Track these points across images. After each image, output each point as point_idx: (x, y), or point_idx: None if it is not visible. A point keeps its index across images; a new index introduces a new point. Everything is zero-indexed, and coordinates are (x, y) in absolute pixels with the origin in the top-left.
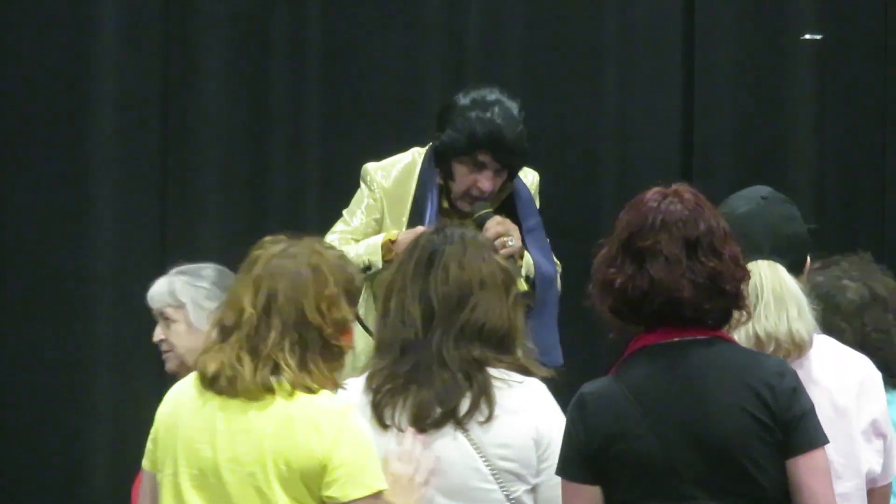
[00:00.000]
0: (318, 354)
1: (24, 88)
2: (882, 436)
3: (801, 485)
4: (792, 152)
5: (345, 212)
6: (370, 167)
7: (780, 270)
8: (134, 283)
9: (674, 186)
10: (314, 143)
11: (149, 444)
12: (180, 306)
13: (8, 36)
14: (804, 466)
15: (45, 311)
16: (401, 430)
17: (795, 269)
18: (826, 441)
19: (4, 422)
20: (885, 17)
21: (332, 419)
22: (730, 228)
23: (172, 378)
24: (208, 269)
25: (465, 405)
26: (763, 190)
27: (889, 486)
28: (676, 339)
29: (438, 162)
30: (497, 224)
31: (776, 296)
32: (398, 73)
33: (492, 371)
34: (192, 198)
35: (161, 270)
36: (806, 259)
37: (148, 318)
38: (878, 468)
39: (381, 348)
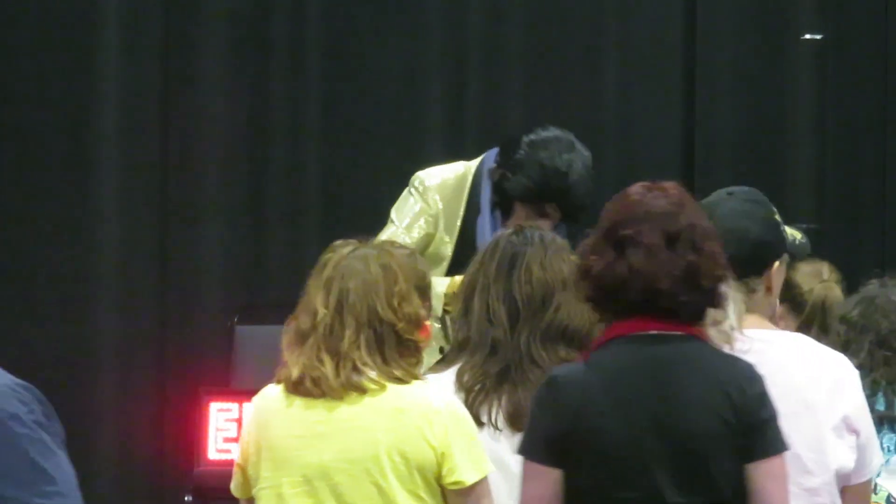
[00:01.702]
0: (395, 350)
1: (26, 89)
2: (855, 431)
3: (760, 489)
4: (792, 152)
5: (395, 217)
6: (427, 180)
7: None
8: (135, 283)
9: (662, 183)
10: (314, 143)
11: (237, 474)
12: None
13: (9, 36)
14: (764, 471)
15: (47, 312)
16: (497, 428)
17: (738, 265)
18: (786, 448)
19: None
20: (886, 17)
21: (443, 408)
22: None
23: (173, 378)
24: None
25: None
26: (738, 188)
27: (866, 484)
28: (653, 332)
29: (500, 195)
30: None
31: None
32: (398, 72)
33: None
34: (193, 197)
35: (162, 270)
36: (760, 259)
37: (149, 318)
38: (850, 464)
39: (466, 346)
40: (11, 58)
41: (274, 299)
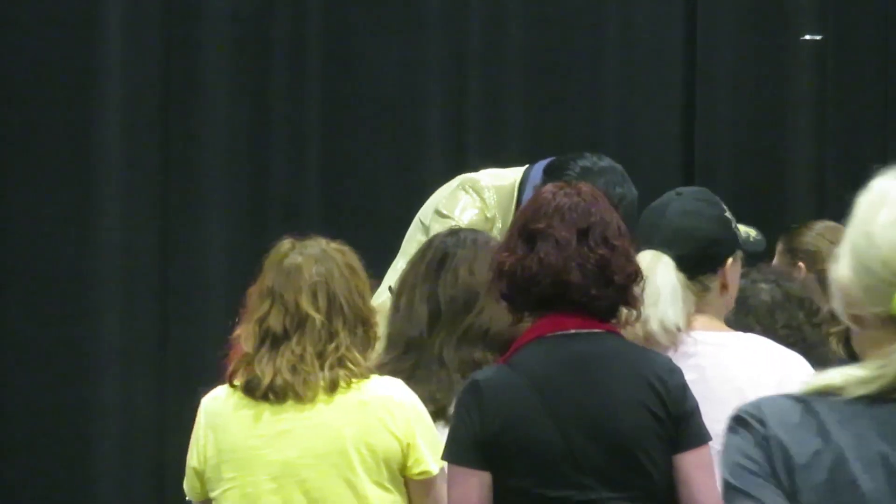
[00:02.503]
0: (366, 346)
1: (27, 89)
2: None
3: (689, 478)
4: (792, 152)
5: (445, 211)
6: (481, 181)
7: (663, 261)
8: (136, 283)
9: (577, 184)
10: (315, 143)
11: (191, 476)
12: None
13: (11, 36)
14: (692, 461)
15: (48, 313)
16: None
17: (688, 264)
18: (710, 438)
19: (7, 422)
20: (886, 18)
21: (405, 400)
22: (629, 226)
23: (173, 379)
24: None
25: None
26: (688, 188)
27: None
28: (572, 331)
29: None
30: None
31: (651, 286)
32: (398, 73)
33: None
34: (195, 198)
35: (163, 270)
36: (712, 257)
37: (149, 318)
38: None
39: (388, 343)
40: (13, 58)
41: None
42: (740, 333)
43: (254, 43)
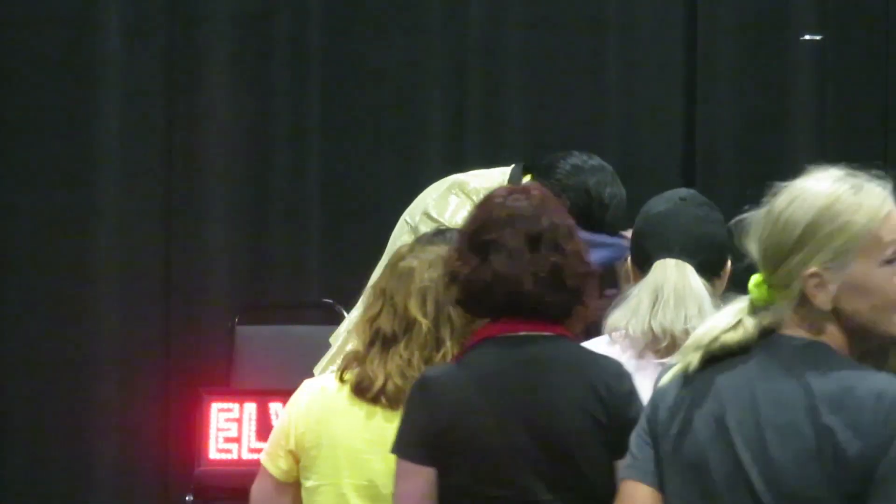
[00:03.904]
0: None
1: (29, 88)
2: None
3: None
4: (793, 152)
5: (435, 215)
6: (470, 183)
7: (687, 269)
8: (137, 283)
9: (525, 185)
10: (316, 143)
11: (278, 456)
12: None
13: (12, 35)
14: None
15: (49, 312)
16: None
17: (706, 270)
18: None
19: (6, 422)
20: (886, 18)
21: None
22: (576, 228)
23: (174, 379)
24: None
25: None
26: (684, 192)
27: None
28: (522, 333)
29: None
30: None
31: (677, 294)
32: (399, 74)
33: None
34: (196, 198)
35: (165, 271)
36: (722, 261)
37: (151, 319)
38: None
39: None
40: (15, 60)
41: (274, 300)
42: None
43: (255, 43)
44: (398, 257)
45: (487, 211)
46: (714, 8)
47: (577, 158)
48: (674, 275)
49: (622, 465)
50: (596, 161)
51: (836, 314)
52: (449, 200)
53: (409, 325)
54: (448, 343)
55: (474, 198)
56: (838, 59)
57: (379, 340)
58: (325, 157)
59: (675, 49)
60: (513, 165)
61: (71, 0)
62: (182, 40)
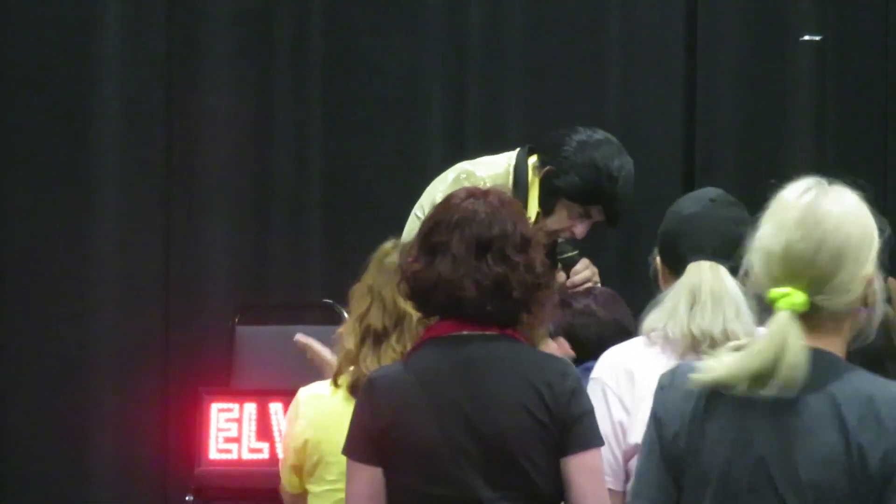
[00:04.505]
0: None
1: (29, 88)
2: None
3: (573, 483)
4: (792, 152)
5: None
6: (476, 171)
7: (721, 272)
8: (137, 283)
9: (486, 189)
10: (317, 143)
11: (289, 473)
12: None
13: (12, 35)
14: (576, 466)
15: (48, 312)
16: None
17: (738, 271)
18: (601, 443)
19: (7, 422)
20: (886, 18)
21: None
22: (535, 235)
23: (174, 379)
24: None
25: None
26: (713, 192)
27: None
28: (464, 333)
29: (547, 192)
30: (586, 267)
31: (714, 296)
32: (399, 72)
33: None
34: (196, 197)
35: (164, 270)
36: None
37: (150, 318)
38: None
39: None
40: (14, 59)
41: (274, 300)
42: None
43: (255, 43)
44: (383, 254)
45: (443, 212)
46: (714, 8)
47: (581, 134)
48: (709, 277)
49: (628, 487)
50: (601, 135)
51: (852, 320)
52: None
53: (399, 319)
54: None
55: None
56: (838, 59)
57: (370, 337)
58: (325, 156)
59: (675, 49)
60: (518, 149)
61: (71, 0)
62: (182, 39)
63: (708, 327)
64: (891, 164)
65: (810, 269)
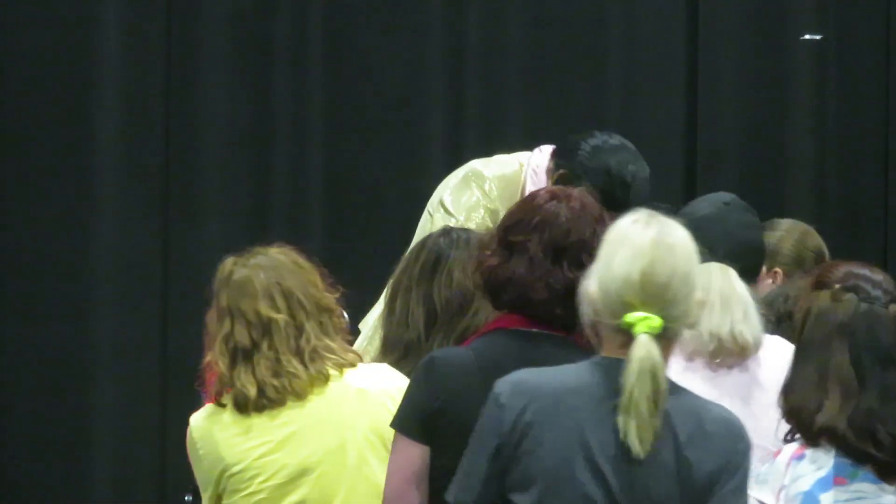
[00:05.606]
0: (339, 337)
1: (27, 88)
2: None
3: None
4: (794, 153)
5: (451, 209)
6: (485, 171)
7: (731, 274)
8: (136, 283)
9: (570, 191)
10: (316, 143)
11: (210, 501)
12: None
13: (10, 36)
14: None
15: (47, 312)
16: None
17: (747, 274)
18: None
19: (7, 422)
20: (886, 18)
21: (398, 383)
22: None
23: (173, 379)
24: None
25: None
26: (726, 196)
27: None
28: (534, 330)
29: None
30: None
31: (723, 298)
32: (399, 72)
33: None
34: (195, 198)
35: (163, 271)
36: (759, 266)
37: (150, 319)
38: None
39: (385, 348)
40: (12, 59)
41: None
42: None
43: (254, 42)
44: (227, 272)
45: (525, 211)
46: (715, 7)
47: (597, 139)
48: (719, 279)
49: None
50: (617, 140)
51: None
52: (464, 193)
53: (265, 328)
54: (307, 326)
55: (485, 187)
56: (838, 59)
57: (240, 354)
58: (325, 156)
59: (675, 48)
60: (537, 150)
61: (70, 0)
62: (181, 39)
63: (716, 329)
64: (891, 164)
65: (664, 293)
